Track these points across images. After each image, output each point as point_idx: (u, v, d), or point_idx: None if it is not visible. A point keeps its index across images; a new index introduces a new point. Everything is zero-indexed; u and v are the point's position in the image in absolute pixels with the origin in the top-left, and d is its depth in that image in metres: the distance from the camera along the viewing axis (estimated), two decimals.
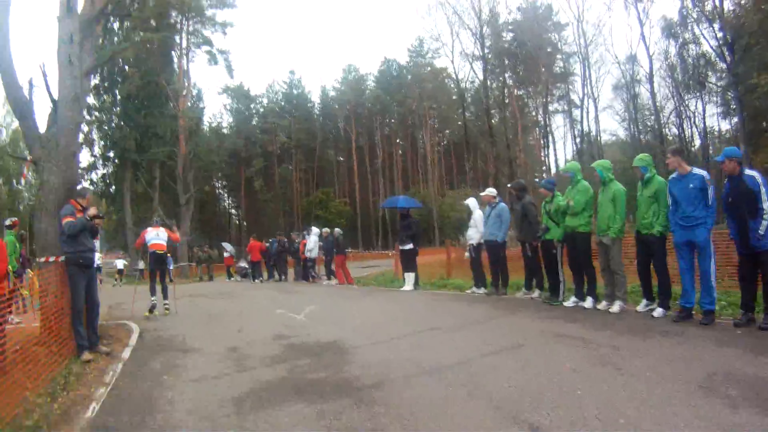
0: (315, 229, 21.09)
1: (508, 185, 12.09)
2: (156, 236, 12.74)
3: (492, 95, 50.46)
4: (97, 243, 8.80)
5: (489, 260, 11.60)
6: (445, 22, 61.40)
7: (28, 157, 8.44)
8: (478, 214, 12.19)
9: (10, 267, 11.69)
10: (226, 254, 29.52)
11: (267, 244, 25.14)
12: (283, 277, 23.22)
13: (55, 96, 8.28)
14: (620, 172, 20.63)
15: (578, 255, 8.88)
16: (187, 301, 14.10)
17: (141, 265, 38.51)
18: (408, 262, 14.47)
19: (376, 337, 7.21)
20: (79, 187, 8.31)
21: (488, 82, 50.02)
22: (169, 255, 33.80)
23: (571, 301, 9.06)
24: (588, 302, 8.70)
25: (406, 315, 9.41)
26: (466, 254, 12.61)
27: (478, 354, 5.83)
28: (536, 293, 10.43)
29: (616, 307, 8.09)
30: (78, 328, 7.07)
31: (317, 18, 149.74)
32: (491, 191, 11.71)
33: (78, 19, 8.55)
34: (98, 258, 29.37)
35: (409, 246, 14.33)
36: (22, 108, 8.32)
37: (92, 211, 7.56)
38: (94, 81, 42.75)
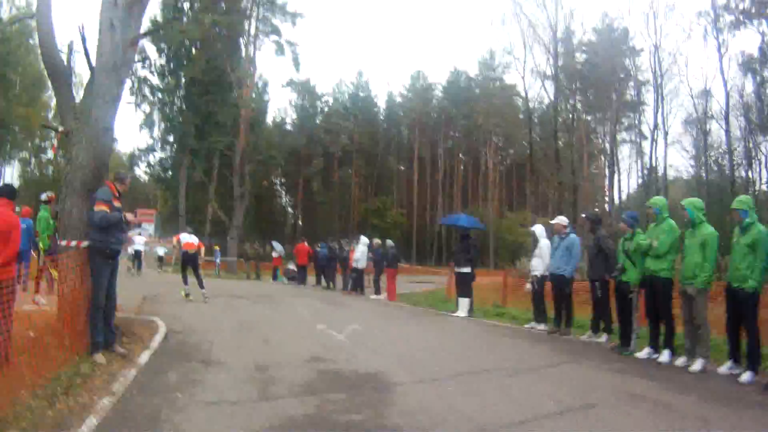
0: (364, 239, 20.38)
1: (583, 215, 11.20)
2: (189, 237, 15.63)
3: (560, 117, 48.97)
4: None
5: (553, 295, 10.74)
6: (519, 34, 60.01)
7: (60, 128, 8.07)
8: (544, 244, 11.35)
9: (41, 245, 11.62)
10: (274, 254, 29.13)
11: (318, 249, 24.74)
12: (330, 284, 22.74)
13: (94, 63, 7.84)
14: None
15: (657, 302, 7.99)
16: (224, 302, 13.67)
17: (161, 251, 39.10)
18: (464, 286, 13.65)
19: (422, 374, 6.47)
20: (120, 171, 7.88)
21: (558, 104, 48.61)
22: (218, 248, 34.09)
23: (644, 352, 8.13)
24: (664, 356, 7.79)
25: (458, 348, 8.60)
26: (528, 285, 11.70)
27: (541, 413, 5.00)
28: (603, 338, 9.55)
29: (697, 365, 7.13)
30: (96, 324, 6.63)
31: (388, 20, 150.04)
32: (562, 220, 10.82)
33: None
34: (142, 242, 29.24)
35: (467, 269, 13.55)
36: (57, 73, 7.94)
37: (130, 217, 7.19)
38: (160, 61, 43.66)
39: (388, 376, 6.25)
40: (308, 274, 25.08)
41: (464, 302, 13.47)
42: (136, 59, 39.27)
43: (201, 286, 14.57)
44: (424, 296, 19.94)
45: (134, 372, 6.07)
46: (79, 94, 8.23)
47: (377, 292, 18.78)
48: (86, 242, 6.91)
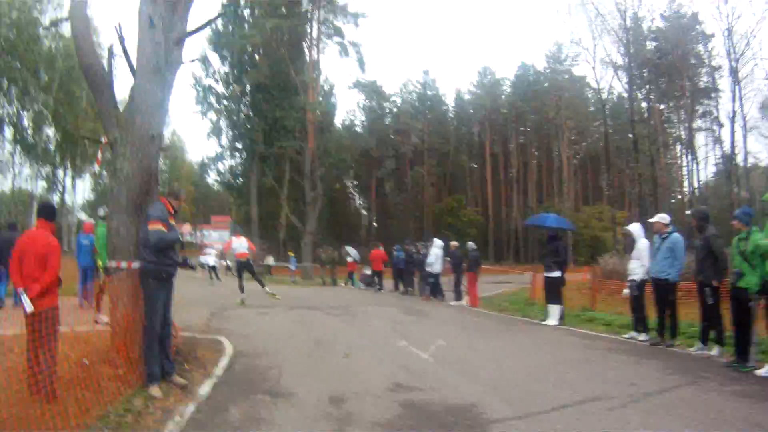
0: (438, 241, 19.26)
1: (687, 212, 9.88)
2: (240, 246, 16.27)
3: (633, 107, 46.74)
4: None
5: (656, 301, 9.63)
6: (587, 24, 57.87)
7: (104, 139, 7.48)
8: (643, 244, 10.21)
9: (100, 262, 11.21)
10: (349, 259, 28.53)
11: (394, 252, 24.04)
12: (409, 289, 21.87)
13: (135, 65, 7.23)
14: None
15: None
16: (296, 315, 12.98)
17: (270, 260, 39.21)
18: (553, 292, 12.56)
19: (523, 405, 5.51)
20: (175, 184, 7.27)
21: (633, 93, 46.48)
22: (292, 255, 33.91)
23: (765, 369, 7.00)
24: None
25: (558, 369, 7.49)
26: (625, 291, 10.50)
27: None
28: (715, 351, 8.35)
29: None
30: (152, 352, 6.07)
31: (452, 16, 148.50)
32: (663, 218, 9.65)
33: None
34: (213, 254, 29.30)
35: (556, 273, 12.47)
36: (97, 78, 7.37)
37: (186, 228, 6.56)
38: (224, 68, 43.97)
39: (484, 409, 5.33)
40: (385, 279, 24.31)
41: (555, 310, 12.46)
42: (198, 66, 39.55)
43: (262, 285, 16.56)
44: (507, 299, 19.04)
45: (192, 407, 5.42)
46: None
47: (458, 297, 17.71)
48: (137, 263, 6.38)
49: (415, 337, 9.76)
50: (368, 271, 25.60)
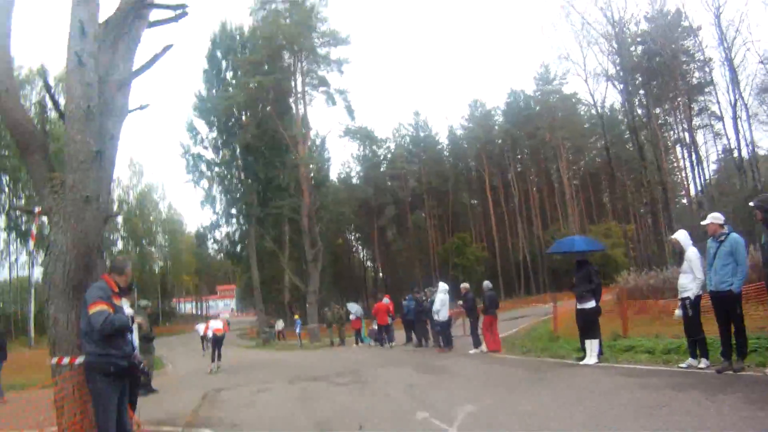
0: (442, 285, 17.59)
1: (751, 203, 8.30)
2: (216, 323, 20.63)
3: (633, 114, 45.63)
4: (135, 339, 6.66)
5: (717, 318, 8.01)
6: (574, 37, 57.30)
7: (37, 209, 6.12)
8: (693, 254, 8.57)
9: None
10: (352, 317, 26.94)
11: (404, 301, 22.53)
12: (422, 340, 20.21)
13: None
14: None
15: None
16: (299, 390, 11.31)
17: (279, 325, 37.88)
18: (589, 325, 10.89)
19: None
20: (118, 258, 5.88)
21: (631, 99, 45.42)
22: (297, 318, 32.65)
23: None
24: None
25: (627, 424, 5.80)
26: (678, 312, 8.84)
27: None
28: None
29: None
30: None
31: (436, 54, 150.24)
32: (717, 217, 8.10)
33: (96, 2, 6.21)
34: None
35: (591, 304, 10.82)
36: (26, 137, 6.15)
37: (139, 320, 5.46)
38: (211, 134, 43.17)
39: None
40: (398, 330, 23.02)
41: (593, 345, 10.82)
42: (185, 135, 38.66)
43: (219, 359, 19.36)
44: (528, 337, 17.66)
45: None
46: None
47: (476, 344, 15.94)
48: (82, 358, 5.19)
49: (437, 404, 8.14)
50: (376, 326, 24.05)
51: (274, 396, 10.99)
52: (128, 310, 5.98)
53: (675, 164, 66.06)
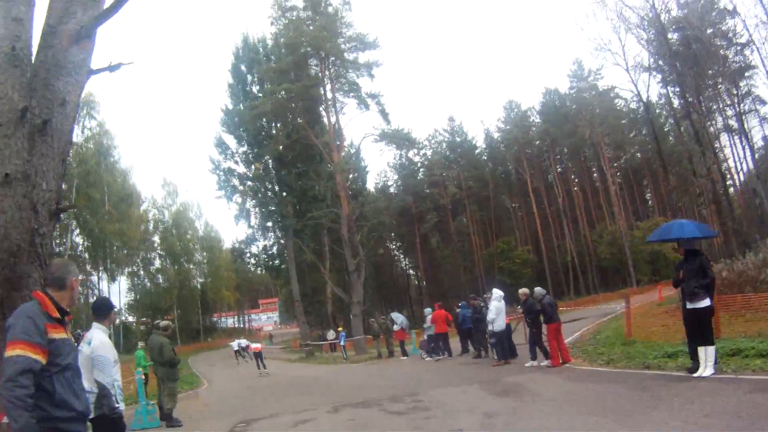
0: (497, 292, 15.40)
1: None
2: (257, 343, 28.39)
3: (683, 100, 42.69)
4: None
5: None
6: (611, 26, 54.55)
7: None
8: None
9: None
10: (396, 327, 24.72)
11: (458, 309, 20.52)
12: (482, 351, 17.96)
13: None
14: None
15: None
16: (347, 422, 9.18)
17: (330, 336, 36.42)
18: (704, 328, 8.60)
19: None
20: (56, 263, 3.79)
21: (669, 89, 42.73)
22: (342, 330, 31.01)
23: None
24: None
25: None
26: None
27: None
28: None
29: None
30: None
31: (466, 58, 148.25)
32: None
33: None
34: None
35: (706, 302, 8.55)
36: None
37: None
38: (241, 148, 41.77)
39: None
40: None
41: (709, 354, 8.51)
42: (215, 151, 37.24)
43: (264, 367, 26.00)
44: (596, 342, 15.69)
45: None
46: None
47: (534, 357, 13.71)
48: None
49: None
50: (426, 336, 21.87)
51: (316, 430, 8.92)
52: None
53: (722, 153, 62.72)
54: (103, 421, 4.41)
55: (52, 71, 4.60)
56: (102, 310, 5.07)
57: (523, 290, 14.89)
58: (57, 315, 3.26)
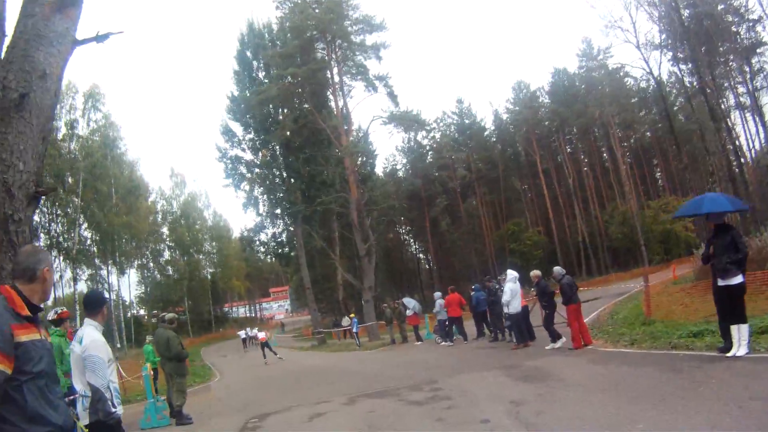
0: (512, 272, 14.94)
1: None
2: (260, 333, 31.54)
3: (687, 81, 41.82)
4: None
5: None
6: (622, 3, 53.49)
7: None
8: None
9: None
10: (408, 312, 24.29)
11: (472, 292, 19.93)
12: (498, 333, 17.50)
13: None
14: None
15: None
16: (363, 413, 8.70)
17: (345, 322, 36.00)
18: (737, 305, 8.15)
19: None
20: (24, 250, 3.25)
21: (681, 66, 41.75)
22: (353, 317, 30.64)
23: None
24: None
25: None
26: None
27: None
28: None
29: None
30: None
31: (474, 38, 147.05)
32: None
33: None
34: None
35: (738, 279, 8.09)
36: None
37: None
38: (248, 135, 41.37)
39: None
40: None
41: (743, 332, 8.07)
42: (221, 139, 36.70)
43: (275, 353, 28.09)
44: (615, 322, 15.67)
45: None
46: None
47: (553, 338, 13.28)
48: None
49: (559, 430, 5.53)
50: (441, 318, 21.42)
51: (332, 423, 8.47)
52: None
53: (734, 130, 61.79)
54: (100, 428, 3.93)
55: (32, 42, 4.18)
56: (94, 304, 4.45)
57: (535, 272, 14.42)
58: (26, 312, 2.81)
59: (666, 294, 20.29)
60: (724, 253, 8.13)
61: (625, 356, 10.15)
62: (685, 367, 8.02)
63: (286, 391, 13.75)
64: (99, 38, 4.80)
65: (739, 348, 8.01)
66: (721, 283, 8.24)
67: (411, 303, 24.78)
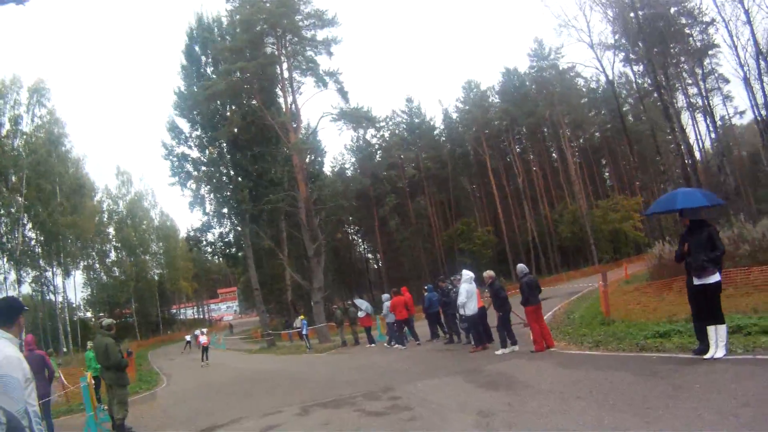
0: (467, 273, 14.25)
1: None
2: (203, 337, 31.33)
3: (637, 82, 42.39)
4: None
5: None
6: (576, 2, 54.08)
7: None
8: None
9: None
10: (360, 313, 23.37)
11: (425, 293, 19.50)
12: (453, 336, 16.95)
13: None
14: None
15: None
16: (320, 428, 7.98)
17: (298, 323, 34.74)
18: (714, 305, 7.86)
19: None
20: None
21: (634, 67, 42.33)
22: (303, 318, 29.70)
23: None
24: None
25: None
26: None
27: None
28: None
29: None
30: None
31: (425, 37, 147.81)
32: None
33: None
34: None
35: (716, 278, 7.82)
36: None
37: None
38: (195, 132, 40.29)
39: None
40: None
41: (720, 333, 7.77)
42: (168, 135, 35.53)
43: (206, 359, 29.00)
44: (571, 323, 15.55)
45: None
46: None
47: (503, 344, 12.71)
48: None
49: None
50: (389, 320, 20.79)
51: None
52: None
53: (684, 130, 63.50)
54: None
55: None
56: (7, 313, 3.64)
57: (488, 272, 13.89)
58: None
59: (620, 293, 20.26)
60: (700, 251, 7.77)
61: (593, 359, 9.73)
62: (662, 371, 7.62)
63: (235, 399, 12.94)
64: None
65: (717, 350, 7.72)
66: (697, 282, 7.92)
67: (363, 304, 23.98)
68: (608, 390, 7.12)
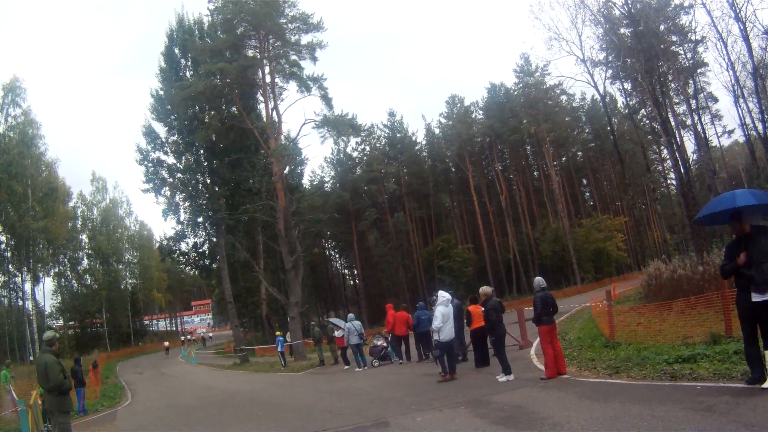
0: (443, 295, 12.51)
1: None
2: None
3: (623, 101, 42.01)
4: None
5: None
6: (568, 16, 53.66)
7: None
8: None
9: None
10: (338, 333, 21.78)
11: (417, 312, 17.95)
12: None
13: None
14: None
15: None
16: None
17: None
18: None
19: None
20: None
21: (624, 84, 41.73)
22: (279, 335, 28.10)
23: None
24: None
25: None
26: None
27: None
28: None
29: None
30: None
31: (410, 51, 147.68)
32: None
33: None
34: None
35: None
36: None
37: None
38: (172, 137, 39.00)
39: None
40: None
41: None
42: (143, 139, 34.02)
43: None
44: (576, 345, 14.05)
45: None
46: None
47: (506, 370, 10.96)
48: None
49: None
50: (380, 341, 19.38)
51: None
52: None
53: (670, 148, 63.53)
54: None
55: None
56: None
57: (485, 288, 12.52)
58: None
59: (615, 314, 19.02)
60: (766, 260, 6.33)
61: (622, 389, 8.21)
62: (717, 404, 6.19)
63: (203, 427, 11.31)
64: None
65: None
66: (758, 298, 6.41)
67: (341, 323, 22.29)
68: (660, 430, 5.70)
